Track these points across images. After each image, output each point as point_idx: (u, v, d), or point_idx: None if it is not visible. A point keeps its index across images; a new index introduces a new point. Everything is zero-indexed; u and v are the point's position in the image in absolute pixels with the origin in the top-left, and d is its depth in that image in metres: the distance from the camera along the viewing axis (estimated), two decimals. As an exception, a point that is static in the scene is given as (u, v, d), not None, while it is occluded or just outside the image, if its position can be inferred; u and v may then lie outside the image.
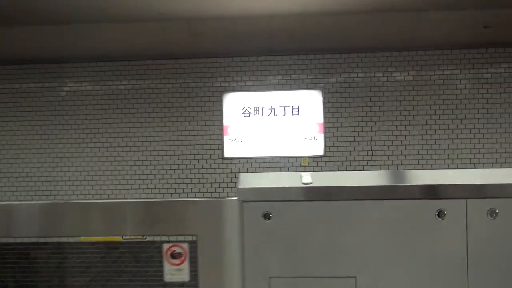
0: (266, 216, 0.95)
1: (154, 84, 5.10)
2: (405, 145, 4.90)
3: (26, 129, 5.20)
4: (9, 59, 5.12)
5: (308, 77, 4.97)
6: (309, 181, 0.96)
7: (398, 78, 4.90)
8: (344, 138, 4.95)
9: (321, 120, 4.93)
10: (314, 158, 4.97)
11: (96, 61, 5.08)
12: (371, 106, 4.91)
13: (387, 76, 4.90)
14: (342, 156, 4.96)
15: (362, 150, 4.93)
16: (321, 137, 4.93)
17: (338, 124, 4.95)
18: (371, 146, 4.92)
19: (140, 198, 5.11)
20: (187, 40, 4.62)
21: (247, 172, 4.99)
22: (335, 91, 4.95)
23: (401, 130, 4.90)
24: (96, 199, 5.13)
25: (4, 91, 5.19)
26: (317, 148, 4.95)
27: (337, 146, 4.96)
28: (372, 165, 4.92)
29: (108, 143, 5.13)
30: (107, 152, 5.14)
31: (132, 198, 5.09)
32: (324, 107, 4.93)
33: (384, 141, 4.91)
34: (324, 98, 4.93)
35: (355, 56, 4.90)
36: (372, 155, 4.92)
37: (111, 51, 4.91)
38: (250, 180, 1.04)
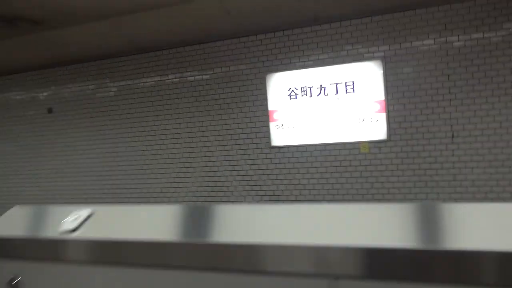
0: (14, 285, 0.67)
1: (192, 72, 5.06)
2: (500, 121, 3.99)
3: (85, 126, 5.69)
4: (66, 61, 5.62)
5: (364, 46, 4.35)
6: (72, 227, 0.67)
7: (486, 35, 3.96)
8: (413, 117, 4.24)
9: (382, 96, 4.29)
10: (376, 143, 4.39)
11: (132, 54, 5.25)
12: (448, 75, 4.09)
13: (470, 34, 4.00)
14: (411, 139, 4.27)
15: (439, 131, 4.17)
16: (383, 117, 4.31)
17: (405, 100, 4.25)
18: (451, 125, 4.13)
19: (188, 191, 5.20)
20: (221, 18, 4.41)
21: (297, 161, 4.67)
22: (400, 59, 4.23)
23: (493, 103, 3.99)
24: (156, 192, 5.39)
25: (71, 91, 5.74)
26: (378, 131, 4.35)
27: (405, 128, 4.28)
28: (453, 150, 4.14)
29: (156, 136, 5.31)
30: (156, 146, 5.32)
31: (183, 194, 5.22)
32: (386, 81, 4.27)
33: (469, 117, 4.07)
34: (386, 69, 4.27)
35: (424, 13, 4.10)
36: (453, 136, 4.13)
37: (144, 41, 4.99)
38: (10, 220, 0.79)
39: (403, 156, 4.31)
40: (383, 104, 4.29)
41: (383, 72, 4.26)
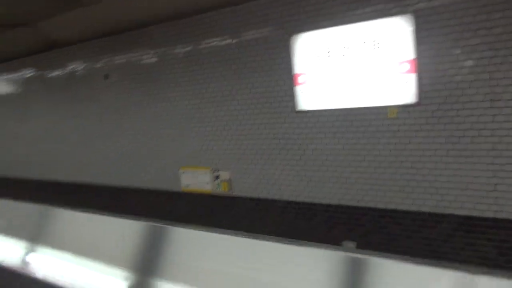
0: None
1: (223, 37, 5.23)
2: (554, 81, 3.49)
3: (135, 90, 6.31)
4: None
5: (393, 0, 4.06)
6: None
7: (537, -24, 3.41)
8: (447, 78, 3.91)
9: (412, 55, 4.01)
10: (404, 107, 4.17)
11: (170, 20, 5.58)
12: (489, 28, 3.65)
13: (517, -23, 3.48)
14: (445, 103, 3.96)
15: (476, 94, 3.80)
16: (413, 78, 4.05)
17: (438, 59, 3.92)
18: (490, 86, 3.73)
19: (223, 154, 5.55)
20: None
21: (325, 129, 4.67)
22: (432, 12, 3.87)
23: (545, 59, 3.49)
24: (191, 156, 5.87)
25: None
26: (408, 93, 4.11)
27: (438, 90, 3.98)
28: (493, 115, 3.76)
29: (192, 99, 5.69)
30: (192, 109, 5.72)
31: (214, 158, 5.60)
32: (417, 38, 3.96)
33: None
34: (416, 25, 3.95)
35: (460, -44, 3.65)
36: (491, 100, 3.74)
37: (182, 6, 5.27)
38: None
39: (434, 121, 4.04)
40: (413, 64, 4.02)
41: (414, 29, 3.96)
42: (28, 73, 7.96)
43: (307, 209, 4.97)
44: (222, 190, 5.67)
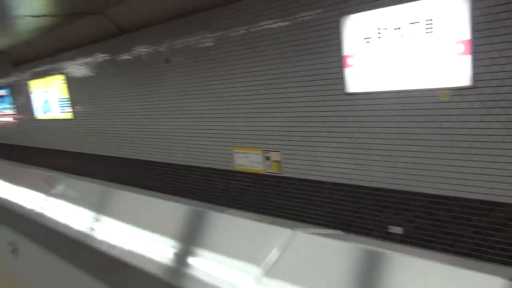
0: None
1: (275, 20, 5.34)
2: None
3: (194, 73, 6.70)
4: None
5: (450, -24, 3.87)
6: None
7: None
8: (505, 59, 3.70)
9: (468, 35, 3.83)
10: (457, 90, 4.02)
11: (224, 5, 5.80)
12: (555, 4, 3.38)
13: None
14: (502, 86, 3.76)
15: (538, 76, 3.57)
16: (467, 60, 3.88)
17: (495, 39, 3.71)
18: (555, 68, 3.48)
19: (271, 135, 5.76)
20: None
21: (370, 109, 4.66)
22: (491, -11, 3.66)
23: None
24: (244, 135, 6.17)
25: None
26: (462, 76, 3.95)
27: (495, 72, 3.78)
28: (557, 98, 3.52)
29: (245, 82, 5.93)
30: (245, 90, 5.96)
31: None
32: (473, 17, 3.78)
33: None
34: (473, 3, 3.76)
35: None
36: (555, 82, 3.49)
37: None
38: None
39: (490, 105, 3.87)
40: (468, 44, 3.85)
41: (470, 7, 3.78)
42: (100, 57, 8.72)
43: (354, 192, 5.03)
44: (273, 170, 5.90)
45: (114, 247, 0.48)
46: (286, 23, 5.25)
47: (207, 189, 6.97)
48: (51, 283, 0.78)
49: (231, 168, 6.48)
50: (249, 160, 6.18)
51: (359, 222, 5.08)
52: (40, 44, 10.10)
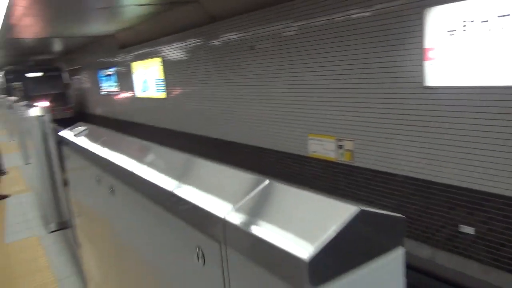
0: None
1: (357, 10, 5.38)
2: None
3: (277, 60, 7.03)
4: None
5: (549, -35, 3.60)
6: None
7: None
8: None
9: None
10: (547, 88, 3.77)
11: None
12: None
13: None
14: None
15: None
16: (562, 57, 3.61)
17: None
18: None
19: (348, 124, 5.86)
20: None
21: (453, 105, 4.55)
22: None
23: None
24: (321, 124, 6.37)
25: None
26: (554, 74, 3.69)
27: None
28: None
29: (325, 70, 6.08)
30: (325, 79, 6.13)
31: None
32: None
33: None
34: None
35: None
36: None
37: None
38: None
39: None
40: None
41: None
42: (192, 43, 9.46)
43: (426, 187, 4.97)
44: (345, 159, 6.02)
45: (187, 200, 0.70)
46: (368, 13, 5.27)
47: (280, 172, 7.31)
48: (136, 216, 1.13)
49: (304, 154, 6.72)
50: (323, 147, 6.37)
51: (428, 217, 5.02)
52: (142, 30, 11.22)
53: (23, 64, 20.63)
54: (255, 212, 0.66)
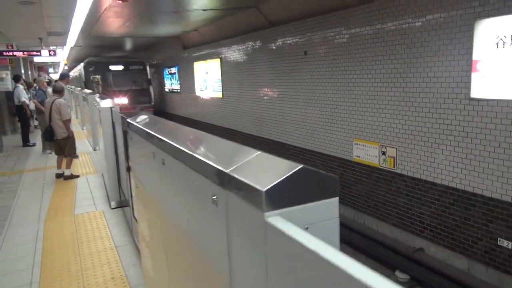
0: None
1: (406, 20, 5.51)
2: None
3: (329, 65, 7.29)
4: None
5: None
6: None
7: None
8: None
9: None
10: None
11: (359, 5, 6.15)
12: None
13: None
14: None
15: None
16: None
17: None
18: None
19: (393, 131, 5.99)
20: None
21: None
22: None
23: None
24: (364, 129, 6.54)
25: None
26: None
27: None
28: None
29: (373, 78, 6.25)
30: (371, 87, 6.29)
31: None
32: None
33: None
34: None
35: None
36: None
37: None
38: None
39: None
40: None
41: None
42: (250, 46, 9.95)
43: (466, 198, 4.99)
44: (388, 165, 6.14)
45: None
46: (418, 23, 5.39)
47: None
48: (178, 181, 1.52)
49: (349, 158, 6.91)
50: (366, 153, 6.53)
51: (467, 229, 5.03)
52: (204, 32, 11.95)
53: (105, 56, 19.21)
54: (245, 169, 1.02)
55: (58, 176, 6.87)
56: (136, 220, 3.86)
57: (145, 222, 2.34)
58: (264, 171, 0.99)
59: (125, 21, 9.91)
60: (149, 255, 2.39)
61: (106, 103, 5.07)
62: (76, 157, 8.09)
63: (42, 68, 29.82)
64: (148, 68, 17.88)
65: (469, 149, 4.92)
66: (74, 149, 7.16)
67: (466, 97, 4.88)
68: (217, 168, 1.10)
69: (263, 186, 0.88)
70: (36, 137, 11.04)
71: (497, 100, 4.56)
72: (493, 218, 4.72)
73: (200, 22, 10.79)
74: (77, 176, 6.91)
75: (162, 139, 1.69)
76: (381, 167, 6.26)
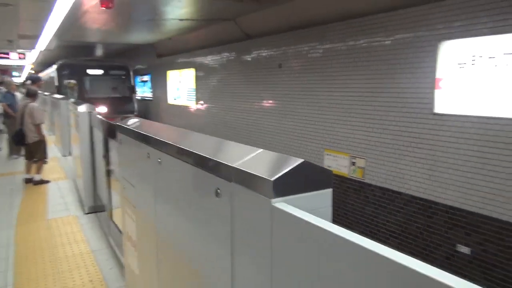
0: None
1: (378, 38, 5.86)
2: None
3: (302, 78, 7.55)
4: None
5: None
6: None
7: None
8: None
9: (561, 71, 3.91)
10: (544, 123, 4.10)
11: (335, 22, 6.48)
12: None
13: None
14: None
15: None
16: (557, 95, 3.95)
17: None
18: None
19: (359, 143, 6.28)
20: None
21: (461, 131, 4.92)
22: None
23: None
24: (338, 141, 6.81)
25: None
26: (550, 110, 4.03)
27: None
28: None
29: (345, 92, 6.55)
30: (344, 100, 6.59)
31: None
32: None
33: None
34: None
35: None
36: None
37: (347, 10, 6.13)
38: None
39: None
40: (560, 80, 3.93)
41: None
42: (225, 57, 10.13)
43: (429, 207, 5.31)
44: (357, 175, 6.42)
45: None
46: (388, 42, 5.74)
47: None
48: (176, 178, 1.62)
49: (320, 168, 7.14)
50: (336, 163, 6.79)
51: (429, 235, 5.34)
52: (180, 41, 12.03)
53: (82, 58, 16.68)
54: (251, 163, 1.17)
55: (27, 181, 6.71)
56: (115, 224, 3.89)
57: (133, 222, 2.42)
58: (269, 164, 1.14)
59: (100, 27, 9.86)
60: (135, 255, 2.45)
61: (84, 107, 5.06)
62: (46, 162, 7.92)
63: (6, 71, 28.72)
64: (132, 74, 16.08)
65: (433, 161, 5.26)
66: (46, 153, 7.03)
67: (430, 112, 5.23)
68: (224, 163, 1.24)
69: (271, 176, 1.02)
70: (1, 142, 10.68)
71: (457, 116, 4.93)
72: (453, 225, 5.05)
73: (175, 31, 10.87)
74: (48, 182, 6.77)
75: (159, 140, 1.80)
76: (351, 177, 6.54)
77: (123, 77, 15.66)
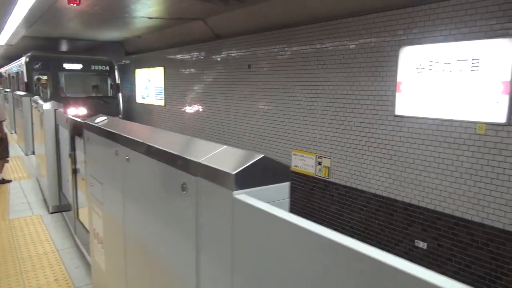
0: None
1: (342, 42, 6.07)
2: None
3: (272, 79, 7.67)
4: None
5: (499, 22, 4.29)
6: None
7: None
8: (539, 103, 4.03)
9: (509, 77, 4.22)
10: (493, 126, 4.41)
11: (303, 25, 6.65)
12: None
13: None
14: (533, 127, 4.10)
15: None
16: (505, 99, 4.26)
17: (532, 84, 4.06)
18: None
19: (329, 143, 6.48)
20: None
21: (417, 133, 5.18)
22: (533, 38, 4.02)
23: None
24: (305, 141, 6.97)
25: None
26: (498, 113, 4.34)
27: (529, 113, 4.13)
28: None
29: (311, 93, 6.73)
30: (309, 102, 6.76)
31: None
32: (514, 61, 4.16)
33: None
34: (516, 49, 4.14)
35: None
36: None
37: (315, 13, 6.30)
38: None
39: (520, 143, 4.22)
40: (508, 85, 4.24)
41: (512, 52, 4.18)
42: (195, 56, 10.12)
43: (390, 204, 5.56)
44: (322, 174, 6.61)
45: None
46: (352, 46, 5.96)
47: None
48: (144, 175, 1.67)
49: (288, 168, 7.29)
50: (303, 163, 6.96)
51: (390, 232, 5.60)
52: (149, 39, 11.90)
53: (57, 49, 14.16)
54: (215, 159, 1.25)
55: (-12, 180, 6.49)
56: (81, 223, 3.86)
57: (100, 219, 2.44)
58: (232, 159, 1.22)
59: (67, 22, 9.62)
60: (103, 252, 2.47)
61: (49, 105, 4.97)
62: (7, 161, 7.66)
63: (-38, 65, 27.30)
64: (117, 70, 13.74)
65: (393, 161, 5.51)
66: (7, 152, 6.81)
67: (391, 114, 5.48)
68: (190, 159, 1.31)
69: (233, 170, 1.11)
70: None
71: (415, 117, 5.19)
72: (411, 222, 5.32)
73: (145, 29, 10.76)
74: (9, 181, 6.57)
75: (128, 137, 1.85)
76: (317, 176, 6.72)
77: (106, 73, 13.55)
